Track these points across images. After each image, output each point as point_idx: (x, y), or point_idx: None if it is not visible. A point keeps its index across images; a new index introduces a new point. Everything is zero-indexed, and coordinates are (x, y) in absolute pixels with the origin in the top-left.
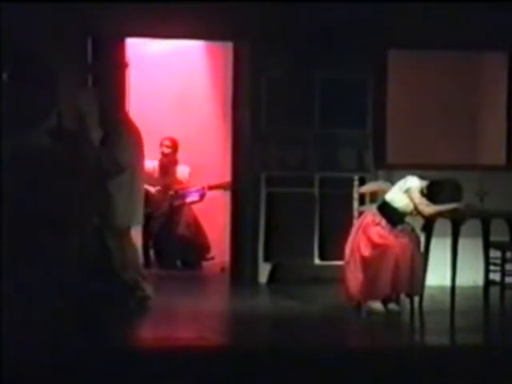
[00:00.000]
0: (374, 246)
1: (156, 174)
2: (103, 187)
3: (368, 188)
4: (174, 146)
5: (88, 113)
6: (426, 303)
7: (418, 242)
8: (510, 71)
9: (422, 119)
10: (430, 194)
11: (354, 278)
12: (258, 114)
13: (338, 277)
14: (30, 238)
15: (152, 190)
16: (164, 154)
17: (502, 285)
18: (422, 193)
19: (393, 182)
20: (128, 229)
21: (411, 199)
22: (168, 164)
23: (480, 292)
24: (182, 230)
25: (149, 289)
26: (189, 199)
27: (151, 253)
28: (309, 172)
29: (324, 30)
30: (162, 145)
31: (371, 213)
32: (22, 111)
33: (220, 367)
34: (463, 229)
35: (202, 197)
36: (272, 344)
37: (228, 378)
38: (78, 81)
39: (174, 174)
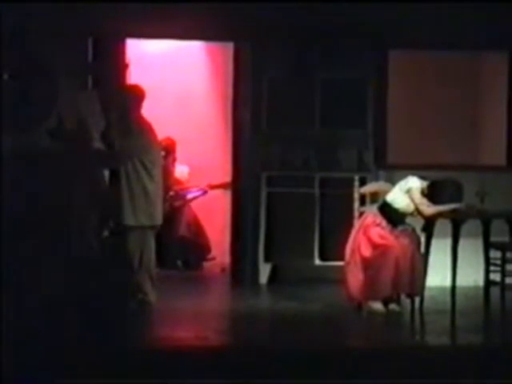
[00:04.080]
0: (375, 246)
1: None
2: (122, 187)
3: (368, 188)
4: (172, 146)
5: (88, 113)
6: (426, 303)
7: (419, 242)
8: (511, 71)
9: (423, 119)
10: (430, 194)
11: (355, 279)
12: (258, 113)
13: (339, 277)
14: (29, 237)
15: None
16: (162, 156)
17: (503, 285)
18: (422, 193)
19: (393, 183)
20: (151, 227)
21: (412, 200)
22: (166, 164)
23: (480, 292)
24: (182, 230)
25: (153, 295)
26: (191, 195)
27: None
28: (309, 172)
29: (324, 30)
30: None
31: (372, 213)
32: (23, 111)
33: (221, 367)
34: (464, 229)
35: (204, 193)
36: (272, 344)
37: (229, 377)
38: (78, 81)
39: (172, 173)
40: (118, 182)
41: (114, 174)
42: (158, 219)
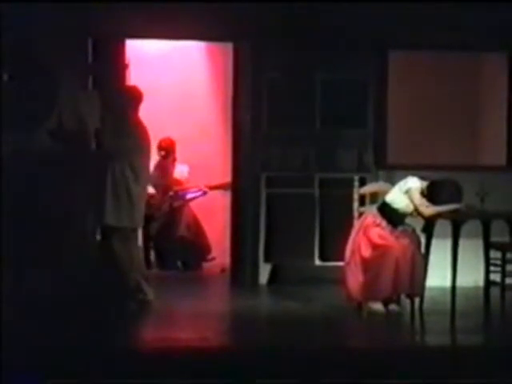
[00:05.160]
0: (375, 246)
1: (154, 175)
2: (106, 188)
3: (368, 189)
4: (171, 146)
5: (88, 113)
6: (426, 304)
7: (419, 242)
8: (510, 71)
9: (423, 120)
10: (430, 194)
11: (355, 279)
12: (258, 114)
13: (339, 278)
14: (30, 237)
15: (151, 191)
16: (162, 156)
17: (503, 286)
18: (422, 193)
19: (393, 183)
20: (133, 230)
21: (411, 200)
22: (166, 164)
23: (480, 293)
24: (182, 231)
25: (150, 293)
26: (190, 195)
27: (152, 254)
28: (309, 172)
29: (324, 30)
30: (159, 147)
31: (372, 214)
32: (23, 112)
33: (221, 368)
34: (464, 230)
35: (204, 193)
36: (272, 344)
37: (229, 378)
38: (78, 81)
39: (172, 174)
40: (103, 181)
41: (101, 173)
42: (140, 222)
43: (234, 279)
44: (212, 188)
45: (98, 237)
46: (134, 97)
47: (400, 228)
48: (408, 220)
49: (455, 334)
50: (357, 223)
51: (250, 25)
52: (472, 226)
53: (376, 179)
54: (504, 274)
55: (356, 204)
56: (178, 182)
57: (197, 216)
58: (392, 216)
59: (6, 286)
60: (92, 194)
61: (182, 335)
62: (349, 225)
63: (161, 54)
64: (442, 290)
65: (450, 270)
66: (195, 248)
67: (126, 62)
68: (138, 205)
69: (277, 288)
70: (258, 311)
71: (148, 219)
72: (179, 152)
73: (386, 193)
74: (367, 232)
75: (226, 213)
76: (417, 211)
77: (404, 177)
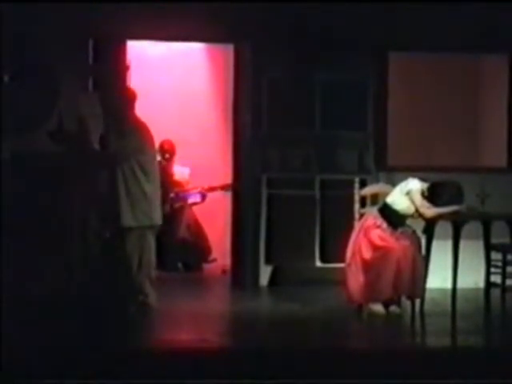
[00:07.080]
0: (375, 248)
1: None
2: (119, 189)
3: (369, 190)
4: (173, 149)
5: (88, 115)
6: (427, 305)
7: (419, 244)
8: (511, 72)
9: (423, 121)
10: (431, 196)
11: (355, 281)
12: (258, 115)
13: (339, 279)
14: (30, 239)
15: None
16: (166, 159)
17: (503, 287)
18: (422, 195)
19: (394, 184)
20: (150, 227)
21: (412, 201)
22: (167, 166)
23: (481, 294)
24: (183, 232)
25: (152, 296)
26: (190, 200)
27: None
28: (310, 174)
29: (324, 30)
30: (162, 150)
31: (372, 215)
32: (23, 113)
33: (221, 369)
34: (464, 231)
35: (203, 198)
36: (273, 346)
37: (229, 379)
38: (78, 83)
39: (172, 175)
40: (115, 183)
41: (111, 175)
42: (157, 219)
43: (235, 281)
44: (212, 189)
45: (107, 234)
46: (130, 98)
47: (400, 229)
48: (408, 221)
49: (456, 335)
50: (357, 225)
51: (251, 25)
52: (473, 227)
53: (377, 181)
54: (504, 276)
55: (357, 205)
56: (179, 184)
57: (197, 217)
58: (393, 217)
59: (6, 287)
60: (97, 194)
61: (182, 336)
62: (349, 226)
63: (162, 55)
64: (442, 291)
65: (451, 272)
66: (196, 249)
67: (127, 63)
68: (154, 202)
69: (277, 289)
70: (258, 313)
71: None
72: (180, 154)
73: (386, 194)
74: (368, 233)
75: (227, 214)
76: (418, 213)
77: (405, 178)
